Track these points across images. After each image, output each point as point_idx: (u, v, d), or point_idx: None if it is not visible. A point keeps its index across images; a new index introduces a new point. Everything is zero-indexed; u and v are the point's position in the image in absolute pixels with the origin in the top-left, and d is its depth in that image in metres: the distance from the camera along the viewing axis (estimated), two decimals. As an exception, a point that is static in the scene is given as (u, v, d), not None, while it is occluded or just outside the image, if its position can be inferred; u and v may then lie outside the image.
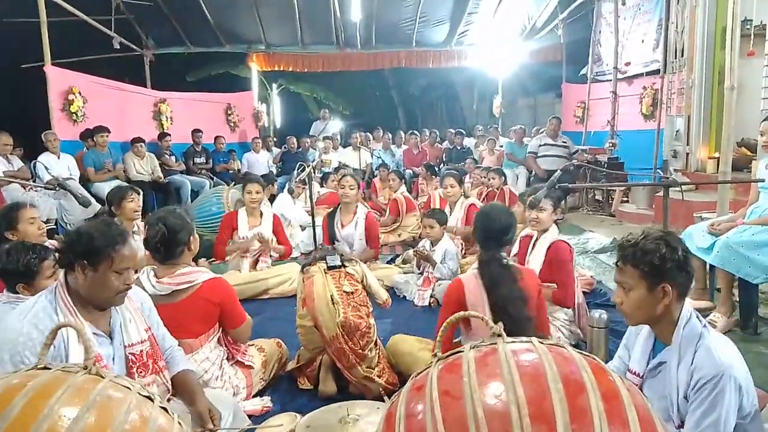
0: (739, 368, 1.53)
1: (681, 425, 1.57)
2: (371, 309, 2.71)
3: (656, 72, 8.03)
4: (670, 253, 1.60)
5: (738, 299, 3.28)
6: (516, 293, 2.25)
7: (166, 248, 2.36)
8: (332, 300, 2.56)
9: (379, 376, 2.58)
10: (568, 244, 3.08)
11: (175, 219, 2.39)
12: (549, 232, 3.15)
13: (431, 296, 4.04)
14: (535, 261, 3.09)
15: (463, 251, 4.77)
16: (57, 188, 4.19)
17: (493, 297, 2.26)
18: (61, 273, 1.81)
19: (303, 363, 2.78)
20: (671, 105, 7.33)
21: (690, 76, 6.77)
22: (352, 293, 2.63)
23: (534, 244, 3.18)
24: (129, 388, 1.18)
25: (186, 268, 2.39)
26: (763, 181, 3.27)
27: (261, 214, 4.54)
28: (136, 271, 2.16)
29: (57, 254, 1.93)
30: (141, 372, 1.86)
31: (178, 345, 2.16)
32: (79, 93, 7.31)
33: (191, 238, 2.43)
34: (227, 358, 2.52)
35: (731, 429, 1.50)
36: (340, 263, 2.72)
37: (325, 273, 2.66)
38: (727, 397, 1.48)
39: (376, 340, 2.69)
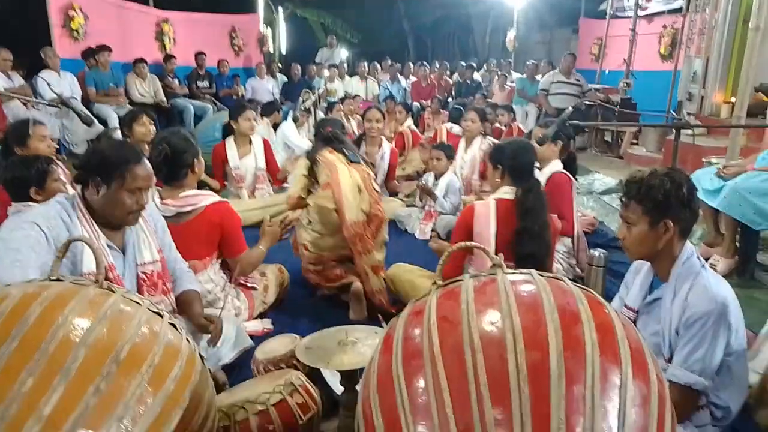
0: (731, 307, 1.57)
1: (670, 359, 1.62)
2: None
3: (678, 10, 7.70)
4: (674, 190, 1.61)
5: (738, 244, 3.31)
6: (547, 224, 2.34)
7: (169, 169, 2.35)
8: (359, 189, 2.74)
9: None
10: (568, 176, 3.13)
11: (179, 140, 2.37)
12: (551, 165, 3.18)
13: (432, 230, 4.07)
14: None
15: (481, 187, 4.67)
16: (60, 106, 4.14)
17: (529, 221, 2.31)
18: (78, 188, 1.83)
19: (320, 268, 2.85)
20: (691, 45, 7.07)
21: (714, 15, 6.49)
22: (372, 186, 2.84)
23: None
24: (139, 304, 1.22)
25: (191, 191, 2.40)
26: (776, 127, 3.22)
27: (250, 141, 4.44)
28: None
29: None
30: (150, 291, 1.93)
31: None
32: (80, 9, 7.07)
33: (195, 160, 2.42)
34: (231, 281, 2.58)
35: (717, 365, 1.56)
36: (359, 159, 2.90)
37: (349, 164, 2.81)
38: (716, 335, 1.52)
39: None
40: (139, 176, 1.79)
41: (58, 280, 1.21)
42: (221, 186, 4.45)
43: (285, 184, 4.65)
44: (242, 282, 2.64)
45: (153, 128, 3.87)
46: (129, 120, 3.84)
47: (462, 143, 4.80)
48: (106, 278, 1.55)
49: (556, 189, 3.03)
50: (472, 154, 4.70)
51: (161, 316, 1.23)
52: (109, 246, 1.84)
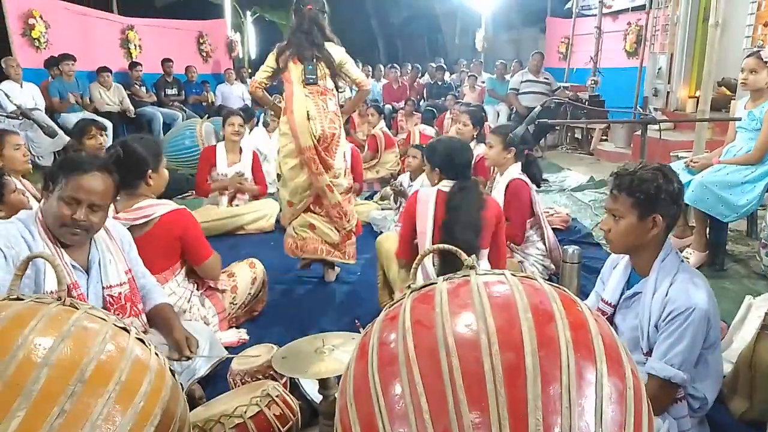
0: (710, 303, 1.58)
1: (648, 353, 1.64)
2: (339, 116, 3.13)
3: (642, 8, 7.87)
4: (666, 184, 1.61)
5: (708, 236, 3.38)
6: (474, 221, 2.32)
7: (119, 174, 2.01)
8: (308, 115, 2.95)
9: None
10: (527, 183, 3.10)
11: (137, 145, 2.23)
12: (509, 170, 3.15)
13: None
14: (497, 199, 3.13)
15: None
16: (21, 118, 4.01)
17: (452, 219, 2.32)
18: (42, 202, 1.76)
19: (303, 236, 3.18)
20: (655, 42, 7.24)
21: (675, 12, 6.65)
22: (332, 111, 3.05)
23: (494, 182, 3.21)
24: (104, 320, 1.18)
25: (144, 202, 2.26)
26: (740, 119, 3.29)
27: (240, 150, 4.43)
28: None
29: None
30: (118, 314, 1.84)
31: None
32: (41, 17, 6.91)
33: (151, 171, 2.27)
34: (197, 288, 2.50)
35: (695, 358, 1.58)
36: (314, 79, 3.00)
37: (304, 85, 2.99)
38: (696, 329, 1.54)
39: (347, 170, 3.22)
40: (78, 186, 1.66)
41: (18, 299, 1.16)
42: (204, 196, 4.38)
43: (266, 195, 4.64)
44: (211, 286, 2.55)
45: (105, 139, 3.70)
46: (78, 133, 3.61)
47: (429, 141, 4.76)
48: (70, 297, 1.50)
49: (513, 197, 3.04)
50: None
51: (128, 331, 1.20)
52: (72, 266, 1.76)
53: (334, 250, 3.20)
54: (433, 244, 2.32)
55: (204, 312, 2.46)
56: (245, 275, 2.72)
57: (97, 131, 3.60)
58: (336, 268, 3.38)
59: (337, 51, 3.11)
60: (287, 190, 3.14)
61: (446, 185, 2.46)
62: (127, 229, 2.13)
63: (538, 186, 3.30)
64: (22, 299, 1.17)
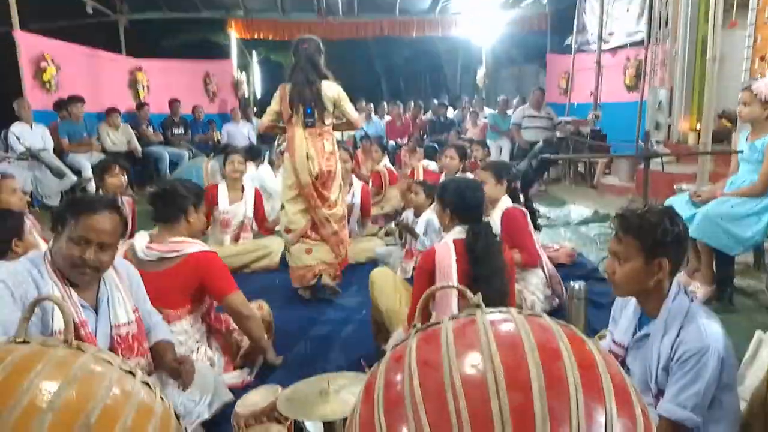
0: (723, 343, 1.55)
1: (657, 395, 1.61)
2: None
3: (640, 43, 8.00)
4: (672, 227, 1.60)
5: (715, 270, 3.35)
6: (502, 265, 2.29)
7: (163, 204, 2.35)
8: (308, 156, 3.35)
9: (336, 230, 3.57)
10: (520, 209, 3.20)
11: (184, 186, 2.42)
12: (500, 203, 3.24)
13: (414, 268, 4.05)
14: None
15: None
16: (30, 159, 4.09)
17: (480, 268, 2.25)
18: (50, 242, 1.79)
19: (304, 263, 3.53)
20: (654, 76, 7.34)
21: (673, 46, 6.77)
22: (329, 151, 3.45)
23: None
24: (110, 363, 1.18)
25: (179, 238, 2.35)
26: (742, 152, 3.31)
27: (243, 188, 4.45)
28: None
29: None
30: (126, 354, 1.85)
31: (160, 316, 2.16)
32: (52, 60, 7.08)
33: (193, 209, 2.42)
34: (207, 330, 2.51)
35: (709, 400, 1.54)
36: (313, 123, 3.36)
37: (304, 128, 3.37)
38: (709, 371, 1.50)
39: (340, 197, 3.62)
40: (87, 226, 1.68)
41: (24, 342, 1.17)
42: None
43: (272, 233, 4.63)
44: (218, 328, 2.56)
45: (125, 178, 3.81)
46: (101, 171, 3.74)
47: (442, 180, 4.81)
48: (78, 336, 1.50)
49: (512, 223, 3.09)
50: None
51: (134, 374, 1.19)
52: (81, 305, 1.76)
53: (329, 268, 3.59)
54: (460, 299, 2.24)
55: (211, 354, 2.46)
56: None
57: (120, 171, 3.71)
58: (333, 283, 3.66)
59: (332, 88, 3.38)
60: (287, 218, 3.54)
61: (460, 232, 2.38)
62: (156, 260, 2.22)
63: (533, 219, 3.42)
64: (29, 342, 1.17)
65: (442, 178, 4.80)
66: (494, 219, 3.16)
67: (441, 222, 2.56)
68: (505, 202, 3.25)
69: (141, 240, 2.32)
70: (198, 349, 2.40)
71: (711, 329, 1.57)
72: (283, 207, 3.56)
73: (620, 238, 1.65)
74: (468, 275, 2.24)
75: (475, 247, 2.28)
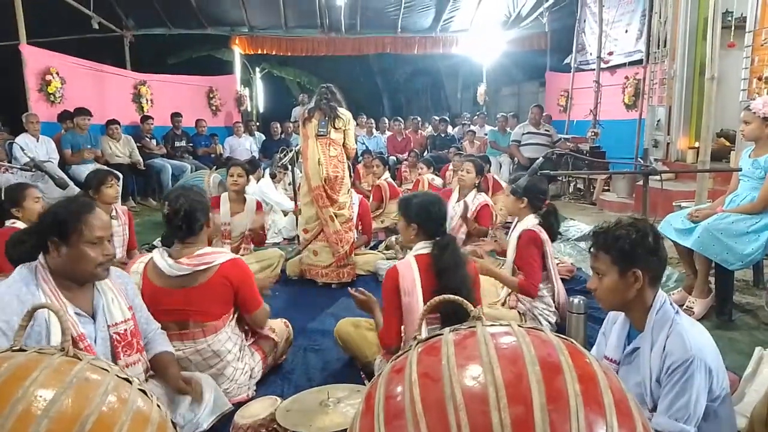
0: (709, 352, 1.56)
1: (654, 409, 1.60)
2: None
3: (639, 62, 8.07)
4: (640, 239, 1.64)
5: (714, 285, 3.35)
6: (467, 277, 2.26)
7: (188, 225, 2.32)
8: (319, 162, 3.93)
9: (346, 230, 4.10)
10: (539, 234, 3.02)
11: (195, 196, 2.39)
12: (525, 220, 3.11)
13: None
14: (510, 249, 3.12)
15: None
16: (33, 170, 4.12)
17: (446, 281, 2.21)
18: (40, 255, 1.78)
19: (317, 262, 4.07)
20: (653, 95, 7.40)
21: (672, 66, 6.83)
22: (335, 156, 4.03)
23: (511, 233, 3.21)
24: (107, 371, 1.17)
25: (205, 249, 2.35)
26: (740, 169, 3.33)
27: (244, 200, 4.48)
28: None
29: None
30: (126, 351, 1.87)
31: (201, 329, 2.22)
32: (57, 74, 7.15)
33: (210, 214, 2.43)
34: (246, 336, 2.54)
35: (701, 411, 1.53)
36: (324, 133, 3.98)
37: (316, 138, 3.97)
38: (696, 381, 1.51)
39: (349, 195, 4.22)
40: (95, 226, 1.75)
41: (21, 349, 1.16)
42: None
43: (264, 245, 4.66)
44: (260, 335, 2.60)
45: (119, 188, 3.85)
46: (96, 182, 3.71)
47: (454, 195, 4.64)
48: (76, 348, 1.49)
49: (523, 248, 2.99)
50: (467, 207, 4.42)
51: (130, 382, 1.18)
52: (77, 314, 1.77)
53: (330, 273, 4.07)
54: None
55: (252, 364, 2.48)
56: (281, 332, 2.76)
57: (114, 181, 3.78)
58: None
59: (347, 113, 4.11)
60: (303, 219, 4.15)
61: (424, 247, 2.36)
62: (189, 274, 2.23)
63: (553, 239, 3.18)
64: (25, 350, 1.16)
65: (455, 192, 4.67)
66: (514, 234, 3.08)
67: (405, 238, 2.50)
68: (528, 221, 3.08)
69: (162, 257, 2.28)
70: (242, 357, 2.42)
71: (695, 339, 1.57)
72: (300, 211, 4.18)
73: (596, 255, 1.72)
74: (432, 290, 2.18)
75: (441, 260, 2.26)
